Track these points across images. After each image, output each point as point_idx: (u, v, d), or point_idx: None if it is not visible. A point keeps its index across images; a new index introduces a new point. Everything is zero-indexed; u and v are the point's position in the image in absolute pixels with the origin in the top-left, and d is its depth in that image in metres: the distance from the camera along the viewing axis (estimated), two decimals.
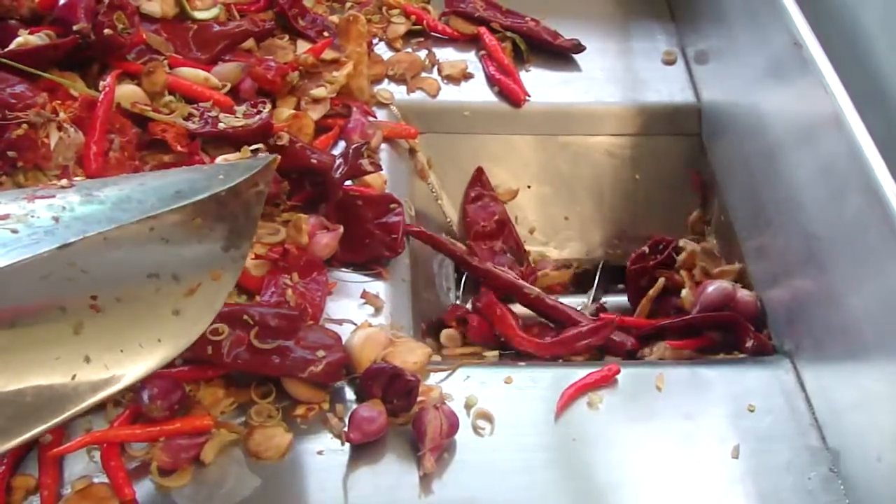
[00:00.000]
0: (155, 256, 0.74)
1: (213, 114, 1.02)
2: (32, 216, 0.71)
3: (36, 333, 0.70)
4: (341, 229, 1.00)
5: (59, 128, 0.93)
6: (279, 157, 0.87)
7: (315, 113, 1.11)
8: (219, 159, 0.96)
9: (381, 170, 1.09)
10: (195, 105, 1.04)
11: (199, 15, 1.16)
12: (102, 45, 1.04)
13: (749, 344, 0.99)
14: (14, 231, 0.68)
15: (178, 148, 0.98)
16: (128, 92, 1.02)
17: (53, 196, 0.74)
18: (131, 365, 0.75)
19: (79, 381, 0.72)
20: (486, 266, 1.08)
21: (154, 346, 0.76)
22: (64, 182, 0.80)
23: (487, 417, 0.87)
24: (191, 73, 1.07)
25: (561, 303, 1.07)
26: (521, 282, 1.08)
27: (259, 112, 1.02)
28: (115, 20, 1.04)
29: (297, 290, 0.93)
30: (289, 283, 0.94)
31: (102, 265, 0.71)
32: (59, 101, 0.97)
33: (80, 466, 0.80)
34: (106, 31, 1.03)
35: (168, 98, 1.04)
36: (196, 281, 0.77)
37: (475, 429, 0.87)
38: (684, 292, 1.09)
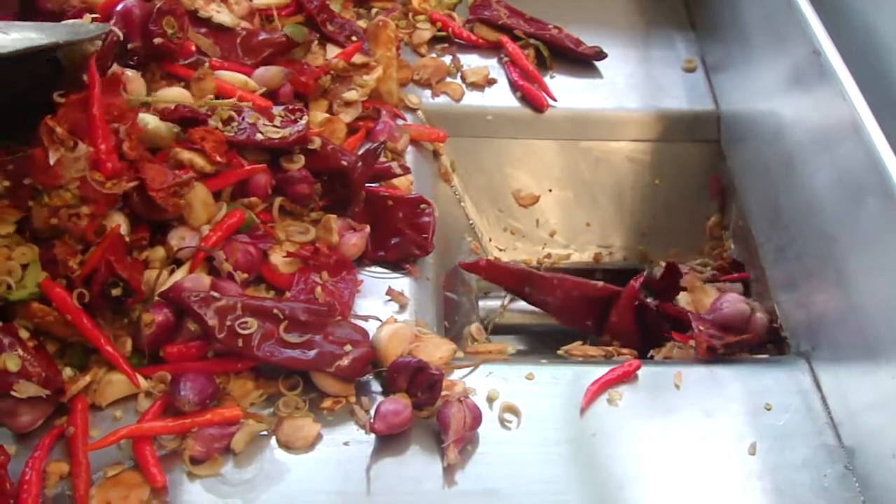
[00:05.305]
0: None
1: (251, 121, 1.02)
2: None
3: None
4: (368, 229, 1.02)
5: (59, 145, 0.88)
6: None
7: (347, 116, 1.13)
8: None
9: (410, 172, 1.11)
10: (235, 107, 1.04)
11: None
12: (153, 54, 1.05)
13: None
14: None
15: (217, 158, 0.97)
16: (175, 94, 1.03)
17: None
18: None
19: None
20: (554, 275, 1.13)
21: None
22: None
23: (514, 411, 0.90)
24: (230, 76, 1.09)
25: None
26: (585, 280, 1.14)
27: (296, 121, 1.03)
28: (165, 25, 1.05)
29: (326, 288, 0.95)
30: (318, 280, 0.96)
31: None
32: (50, 116, 0.89)
33: (109, 453, 0.82)
34: (156, 39, 1.04)
35: (208, 97, 1.05)
36: None
37: (502, 422, 0.89)
38: (683, 299, 1.11)
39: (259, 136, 1.01)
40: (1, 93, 0.91)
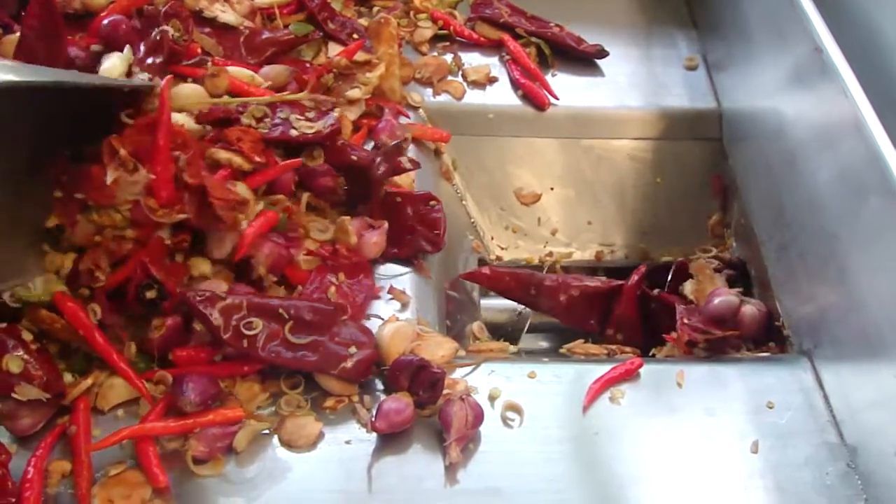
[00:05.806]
0: None
1: (283, 116, 1.01)
2: None
3: None
4: (386, 225, 1.02)
5: (119, 166, 0.88)
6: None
7: (351, 114, 1.13)
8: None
9: (420, 167, 1.11)
10: (269, 104, 1.03)
11: None
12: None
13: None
14: None
15: (256, 158, 0.96)
16: (190, 91, 1.02)
17: None
18: None
19: None
20: (560, 278, 1.14)
21: None
22: None
23: (517, 409, 0.90)
24: (237, 72, 1.08)
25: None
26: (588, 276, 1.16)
27: (327, 113, 1.02)
28: (171, 27, 1.04)
29: (340, 289, 0.95)
30: (334, 281, 0.96)
31: None
32: (115, 136, 0.89)
33: (111, 452, 0.83)
34: None
35: (229, 99, 1.03)
36: None
37: (504, 420, 0.89)
38: (688, 286, 1.11)
39: (293, 132, 1.01)
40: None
